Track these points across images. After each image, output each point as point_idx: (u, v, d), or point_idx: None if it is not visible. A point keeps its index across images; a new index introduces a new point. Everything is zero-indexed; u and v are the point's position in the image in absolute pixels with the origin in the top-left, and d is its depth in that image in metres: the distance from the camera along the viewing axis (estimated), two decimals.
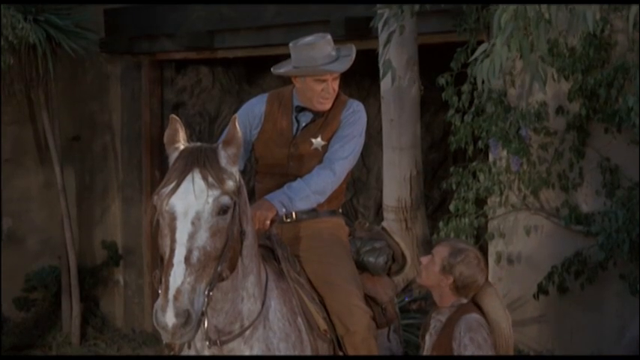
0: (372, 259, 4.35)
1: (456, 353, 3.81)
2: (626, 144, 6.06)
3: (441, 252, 3.97)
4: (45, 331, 9.16)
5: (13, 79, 8.44)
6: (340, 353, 4.05)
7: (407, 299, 6.38)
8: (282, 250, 4.04)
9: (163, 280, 3.25)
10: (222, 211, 3.38)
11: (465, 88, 6.52)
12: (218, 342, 3.61)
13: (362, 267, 4.32)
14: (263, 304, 3.73)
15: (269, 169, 4.24)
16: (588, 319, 6.30)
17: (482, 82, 3.82)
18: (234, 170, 3.52)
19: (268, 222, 3.92)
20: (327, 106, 4.19)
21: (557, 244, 6.36)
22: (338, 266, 4.12)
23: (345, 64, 4.17)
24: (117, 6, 9.06)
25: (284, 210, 3.99)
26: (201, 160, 3.41)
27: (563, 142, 6.31)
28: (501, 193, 6.54)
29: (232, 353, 3.65)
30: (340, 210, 4.36)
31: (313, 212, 4.16)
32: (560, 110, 6.28)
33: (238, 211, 3.50)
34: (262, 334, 3.70)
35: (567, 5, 4.45)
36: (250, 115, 4.28)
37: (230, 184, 3.44)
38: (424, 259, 4.02)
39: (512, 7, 3.68)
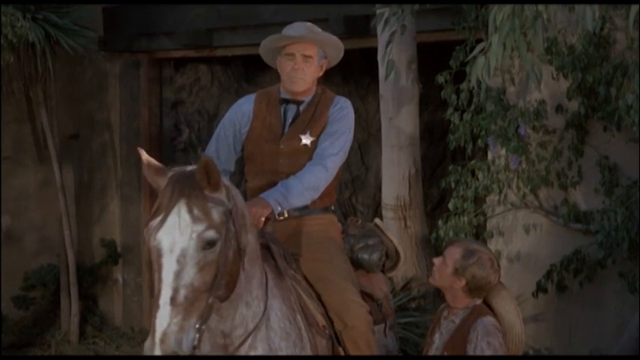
0: (365, 256, 4.35)
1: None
2: (625, 142, 6.06)
3: (453, 253, 3.90)
4: (44, 330, 9.15)
5: (12, 77, 8.43)
6: (339, 349, 4.05)
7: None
8: (278, 247, 4.03)
9: (151, 320, 3.24)
10: (208, 245, 3.31)
11: (464, 86, 6.52)
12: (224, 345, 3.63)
13: (356, 264, 4.33)
14: (265, 305, 3.72)
15: (260, 167, 4.23)
16: (587, 317, 6.31)
17: (478, 80, 3.81)
18: (221, 195, 3.43)
19: (263, 219, 3.92)
20: (300, 87, 4.18)
21: (556, 243, 6.36)
22: (332, 263, 4.12)
23: (309, 35, 4.17)
24: (116, 4, 9.06)
25: (279, 208, 3.97)
26: (187, 189, 3.34)
27: (562, 140, 6.30)
28: (500, 192, 6.54)
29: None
30: (332, 207, 4.36)
31: (305, 209, 4.16)
32: (559, 108, 6.28)
33: (233, 231, 3.44)
34: (265, 335, 3.70)
35: (567, 4, 4.46)
36: (239, 113, 4.29)
37: (215, 216, 3.35)
38: (436, 261, 3.95)
39: (508, 5, 3.67)
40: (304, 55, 4.17)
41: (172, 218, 3.30)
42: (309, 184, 4.06)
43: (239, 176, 4.47)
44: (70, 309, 8.93)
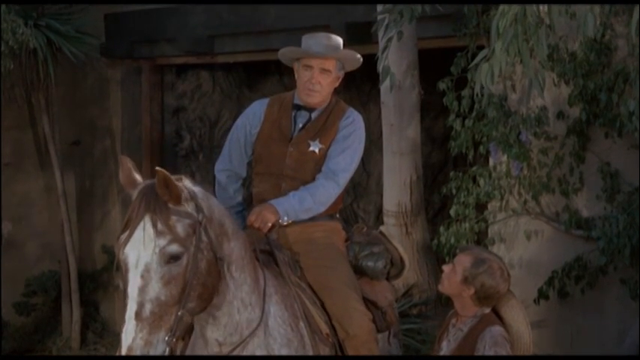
0: (370, 264, 4.34)
1: None
2: (627, 148, 6.06)
3: (463, 261, 3.86)
4: (45, 336, 9.15)
5: (14, 84, 8.46)
6: None
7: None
8: (282, 254, 4.04)
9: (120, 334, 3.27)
10: (172, 259, 3.33)
11: (466, 92, 6.52)
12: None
13: (361, 271, 4.32)
14: (262, 310, 3.72)
15: (266, 168, 4.23)
16: (589, 323, 6.30)
17: (482, 87, 3.81)
18: (188, 207, 3.42)
19: (269, 224, 3.93)
20: (314, 99, 4.20)
21: (558, 249, 6.35)
22: (335, 270, 4.12)
23: (330, 53, 4.18)
24: (117, 11, 9.07)
25: (286, 218, 4.01)
26: (152, 204, 3.34)
27: (563, 146, 6.30)
28: (502, 198, 6.54)
29: None
30: (337, 215, 4.36)
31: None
32: (560, 115, 6.28)
33: (207, 241, 3.44)
34: (263, 341, 3.70)
35: (568, 10, 4.46)
36: (250, 115, 4.31)
37: (180, 229, 3.36)
38: (446, 268, 3.92)
39: (512, 11, 3.67)
40: (322, 69, 4.18)
41: (138, 233, 3.33)
42: (319, 200, 4.10)
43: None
44: (72, 315, 8.94)
